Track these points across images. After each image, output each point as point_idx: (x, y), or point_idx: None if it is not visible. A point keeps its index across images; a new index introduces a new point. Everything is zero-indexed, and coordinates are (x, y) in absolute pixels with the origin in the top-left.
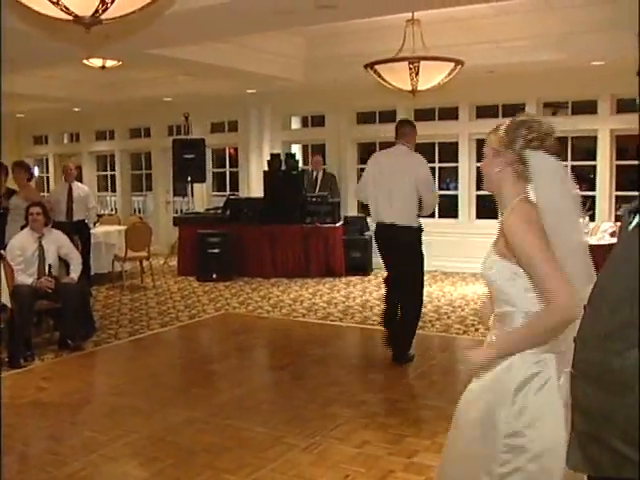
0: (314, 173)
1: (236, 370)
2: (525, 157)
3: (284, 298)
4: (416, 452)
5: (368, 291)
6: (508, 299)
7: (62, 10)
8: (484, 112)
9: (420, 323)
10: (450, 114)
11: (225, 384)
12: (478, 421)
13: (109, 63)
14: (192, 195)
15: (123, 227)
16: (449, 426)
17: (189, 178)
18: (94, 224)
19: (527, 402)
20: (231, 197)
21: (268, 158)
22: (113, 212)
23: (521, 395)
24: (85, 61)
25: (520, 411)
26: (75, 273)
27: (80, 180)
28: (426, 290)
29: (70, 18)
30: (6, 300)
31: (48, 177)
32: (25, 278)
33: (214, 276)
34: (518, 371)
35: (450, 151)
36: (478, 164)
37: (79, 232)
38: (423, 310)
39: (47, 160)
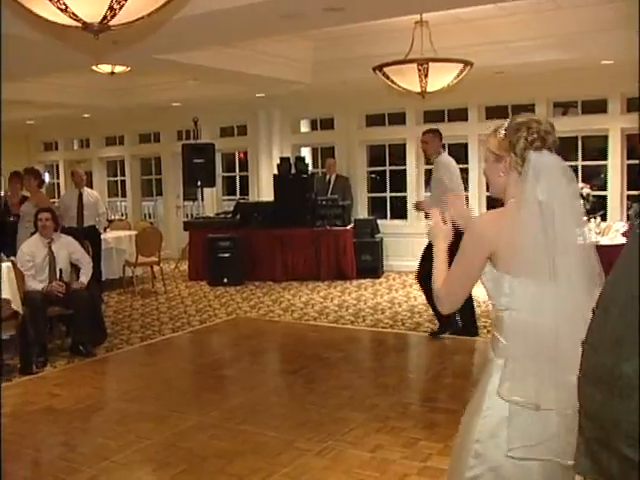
0: (327, 176)
1: (248, 374)
2: (527, 158)
3: (295, 302)
4: (430, 456)
5: (379, 294)
6: (489, 295)
7: (70, 17)
8: (493, 113)
9: (432, 326)
10: (459, 115)
11: (237, 389)
12: (463, 425)
13: (118, 69)
14: (202, 199)
15: (133, 232)
16: None
17: (199, 183)
18: (104, 230)
19: (493, 410)
20: (241, 201)
21: (278, 162)
22: (123, 217)
23: (490, 402)
24: (94, 67)
25: (485, 418)
26: (85, 277)
27: (90, 186)
28: None
29: (79, 25)
30: (18, 306)
31: (58, 183)
32: (36, 284)
33: (225, 280)
34: (495, 382)
35: (459, 152)
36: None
37: (90, 238)
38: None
39: (57, 166)
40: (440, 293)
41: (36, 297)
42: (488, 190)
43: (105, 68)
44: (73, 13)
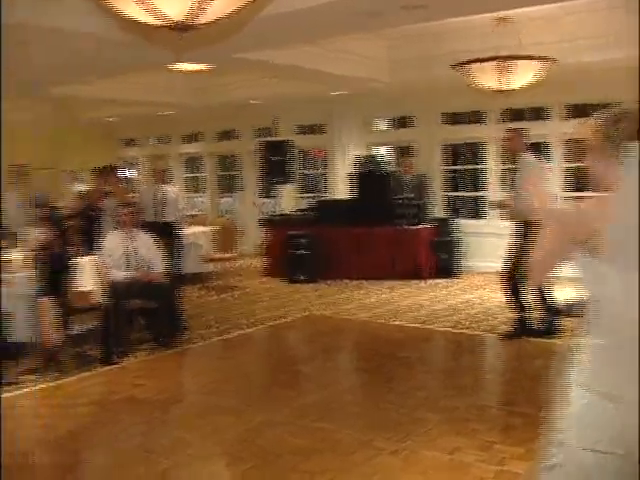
0: (405, 175)
1: (322, 372)
2: (626, 149)
3: (370, 300)
4: (506, 460)
5: (455, 294)
6: (583, 285)
7: (158, 18)
8: (576, 112)
9: (507, 328)
10: (540, 114)
11: (312, 386)
12: (551, 418)
13: (198, 67)
14: (279, 197)
15: (211, 228)
16: (539, 433)
17: (276, 180)
18: (183, 225)
19: (576, 399)
20: (317, 199)
21: (354, 160)
22: (201, 213)
23: (574, 391)
24: (174, 66)
25: (569, 407)
26: (151, 275)
27: (169, 182)
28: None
29: (166, 25)
30: (99, 298)
31: (138, 179)
32: (119, 275)
33: (301, 277)
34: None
35: (540, 151)
36: (570, 164)
37: (168, 233)
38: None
39: (137, 163)
40: (533, 262)
41: (119, 289)
42: (578, 190)
43: (185, 67)
44: (161, 13)
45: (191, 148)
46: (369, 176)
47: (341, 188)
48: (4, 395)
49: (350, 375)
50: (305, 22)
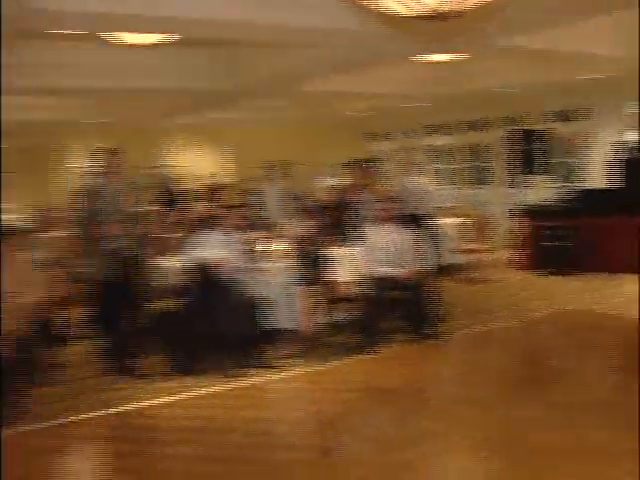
0: None
1: (579, 370)
2: None
3: (634, 296)
4: None
5: None
6: None
7: (418, 8)
8: None
9: None
10: None
11: (567, 384)
12: None
13: (448, 58)
14: (531, 187)
15: (462, 220)
16: None
17: (527, 169)
18: (436, 217)
19: None
20: (571, 188)
21: (614, 146)
22: (452, 206)
23: None
24: (425, 57)
25: None
26: (409, 266)
27: (420, 175)
28: None
29: (426, 14)
30: (357, 289)
31: (388, 173)
32: (378, 268)
33: (555, 270)
34: None
35: None
36: None
37: (422, 226)
38: None
39: (387, 156)
40: None
41: (377, 281)
42: None
43: (435, 57)
44: (422, 3)
45: (440, 140)
46: (629, 163)
47: (596, 176)
48: (263, 379)
49: (607, 373)
50: (559, 3)
